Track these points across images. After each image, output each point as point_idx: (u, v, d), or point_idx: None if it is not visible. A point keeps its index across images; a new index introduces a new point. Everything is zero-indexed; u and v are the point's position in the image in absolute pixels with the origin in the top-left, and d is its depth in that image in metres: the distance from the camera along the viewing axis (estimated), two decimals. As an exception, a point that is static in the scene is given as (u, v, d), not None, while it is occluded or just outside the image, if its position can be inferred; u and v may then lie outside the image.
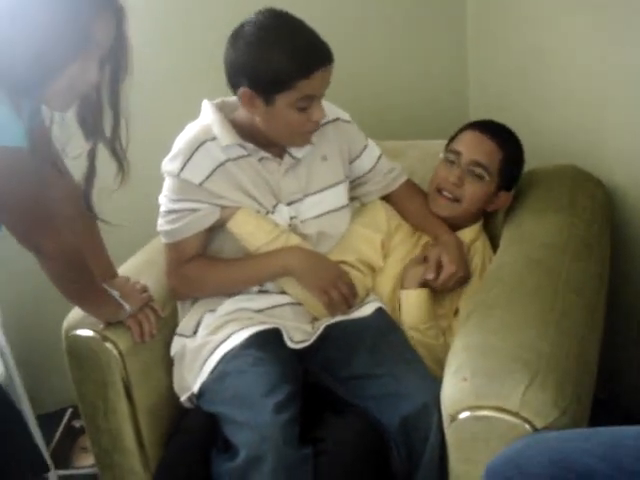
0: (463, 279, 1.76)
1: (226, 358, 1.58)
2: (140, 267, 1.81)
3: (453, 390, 1.37)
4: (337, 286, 1.68)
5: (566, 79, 2.09)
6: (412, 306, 1.73)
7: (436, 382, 1.44)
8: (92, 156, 1.44)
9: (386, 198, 1.92)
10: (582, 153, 2.05)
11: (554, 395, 1.30)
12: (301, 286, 1.70)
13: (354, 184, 1.87)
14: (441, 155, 1.90)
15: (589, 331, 1.50)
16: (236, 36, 1.56)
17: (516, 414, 1.28)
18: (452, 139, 1.91)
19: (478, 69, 2.53)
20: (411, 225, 1.91)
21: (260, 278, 1.71)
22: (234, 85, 1.59)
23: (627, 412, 2.03)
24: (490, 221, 1.95)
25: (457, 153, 1.83)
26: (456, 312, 1.79)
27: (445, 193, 1.83)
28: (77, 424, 2.37)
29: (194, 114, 1.72)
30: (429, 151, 2.08)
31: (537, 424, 1.27)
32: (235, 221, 1.67)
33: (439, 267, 1.74)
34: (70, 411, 2.43)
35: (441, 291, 1.77)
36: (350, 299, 1.70)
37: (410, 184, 1.94)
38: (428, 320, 1.73)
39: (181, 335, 1.72)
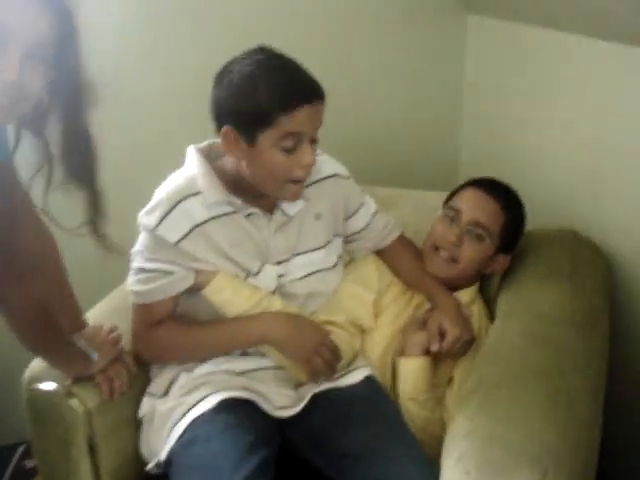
0: (468, 343, 1.66)
1: (196, 423, 1.45)
2: (110, 314, 1.66)
3: (454, 484, 1.26)
4: (320, 353, 1.56)
5: (563, 140, 2.03)
6: (412, 375, 1.62)
7: (434, 471, 1.32)
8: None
9: (378, 253, 1.82)
10: (578, 217, 1.97)
11: (565, 496, 1.20)
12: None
13: (347, 240, 1.76)
14: (439, 211, 1.80)
15: (594, 417, 1.41)
16: (222, 73, 1.46)
17: (525, 517, 1.19)
18: (452, 195, 1.81)
19: (473, 123, 2.45)
20: (404, 283, 1.80)
21: (237, 346, 1.59)
22: (218, 126, 1.47)
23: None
24: (485, 284, 1.85)
25: (457, 211, 1.74)
26: (449, 381, 1.67)
27: (442, 252, 1.73)
28: (29, 464, 2.21)
29: (178, 161, 1.58)
30: (423, 202, 1.99)
31: (545, 530, 1.17)
32: (211, 288, 1.53)
33: (442, 334, 1.63)
34: (22, 448, 2.27)
35: (439, 359, 1.66)
36: (334, 365, 1.59)
37: (403, 239, 1.84)
38: (427, 390, 1.62)
39: (151, 395, 1.58)
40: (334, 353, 1.58)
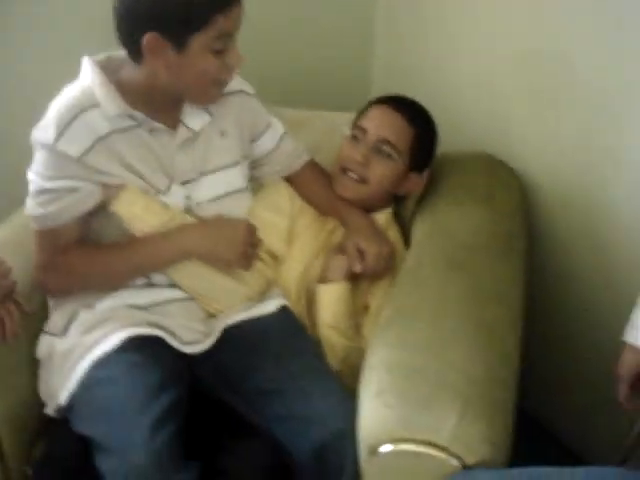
0: (389, 257, 1.61)
1: (98, 364, 1.35)
2: (5, 243, 1.52)
3: (374, 418, 1.22)
4: (252, 241, 1.50)
5: (479, 60, 1.97)
6: (333, 302, 1.55)
7: (352, 403, 1.28)
8: None
9: (287, 179, 1.73)
10: (492, 141, 1.93)
11: (486, 428, 1.19)
12: (195, 278, 1.49)
13: (254, 164, 1.66)
14: (347, 132, 1.72)
15: (514, 348, 1.38)
16: None
17: (446, 449, 1.16)
18: (359, 115, 1.73)
19: (385, 40, 2.35)
20: (315, 209, 1.73)
21: (152, 267, 1.47)
22: (133, 33, 1.32)
23: (537, 424, 1.99)
24: (400, 208, 1.79)
25: (363, 130, 1.67)
26: (366, 309, 1.62)
27: (350, 173, 1.66)
28: None
29: (74, 73, 1.43)
30: (333, 124, 1.89)
31: (468, 460, 1.16)
32: (120, 201, 1.41)
33: (361, 253, 1.58)
34: None
35: (359, 282, 1.61)
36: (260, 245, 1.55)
37: (313, 164, 1.76)
38: (349, 318, 1.56)
39: (50, 334, 1.46)
40: (255, 231, 1.53)
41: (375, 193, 1.66)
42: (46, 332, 1.47)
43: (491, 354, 1.31)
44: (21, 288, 1.42)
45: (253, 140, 1.62)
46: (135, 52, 1.34)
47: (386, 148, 1.63)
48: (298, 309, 1.59)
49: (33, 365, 1.46)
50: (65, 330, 1.44)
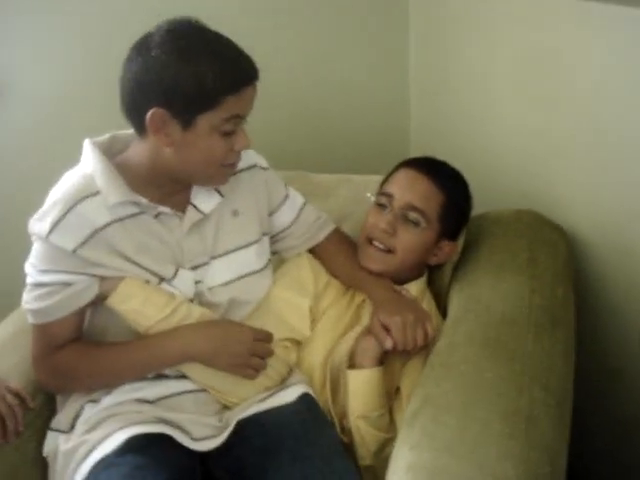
0: (424, 325, 1.46)
1: (99, 466, 1.24)
2: (5, 342, 1.46)
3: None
4: (256, 352, 1.39)
5: (516, 118, 1.84)
6: (364, 389, 1.42)
7: None
8: None
9: (311, 251, 1.62)
10: (536, 198, 1.79)
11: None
12: (207, 370, 1.38)
13: (274, 239, 1.57)
14: (372, 198, 1.60)
15: (558, 442, 1.22)
16: (143, 47, 1.25)
17: None
18: (385, 180, 1.61)
19: (420, 102, 2.25)
20: (341, 282, 1.60)
21: (153, 368, 1.38)
22: (139, 110, 1.26)
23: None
24: (436, 277, 1.65)
25: (388, 196, 1.54)
26: (396, 392, 1.49)
27: (376, 243, 1.53)
28: None
29: (77, 157, 1.37)
30: (364, 189, 1.77)
31: None
32: (116, 296, 1.33)
33: (386, 329, 1.44)
34: None
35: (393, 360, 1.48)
36: (271, 353, 1.42)
37: (338, 234, 1.65)
38: (381, 406, 1.42)
39: (55, 430, 1.38)
40: (266, 339, 1.42)
41: (403, 263, 1.54)
42: (52, 429, 1.38)
43: (531, 450, 1.15)
44: (25, 384, 1.36)
45: (271, 213, 1.54)
46: (139, 126, 1.28)
47: (413, 215, 1.51)
48: (323, 396, 1.47)
49: (41, 464, 1.37)
50: (71, 427, 1.36)
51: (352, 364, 1.45)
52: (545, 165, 1.76)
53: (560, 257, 1.62)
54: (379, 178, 1.75)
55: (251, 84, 1.27)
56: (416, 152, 2.16)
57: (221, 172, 1.35)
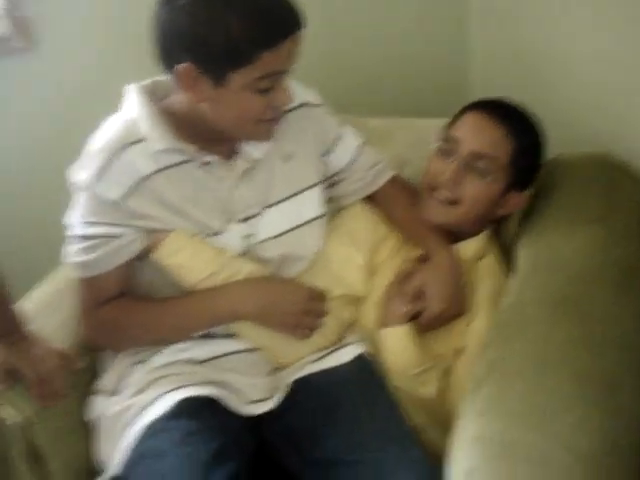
0: (453, 317, 1.37)
1: (149, 431, 1.19)
2: (48, 301, 1.39)
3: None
4: (309, 311, 1.31)
5: (585, 51, 1.68)
6: (396, 348, 1.34)
7: (435, 477, 1.09)
8: None
9: (368, 199, 1.51)
10: (612, 139, 1.63)
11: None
12: (258, 328, 1.31)
13: (328, 183, 1.46)
14: (435, 143, 1.48)
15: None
16: None
17: None
18: (450, 123, 1.48)
19: (481, 40, 2.07)
20: (401, 233, 1.50)
21: (201, 326, 1.32)
22: (169, 62, 1.16)
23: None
24: (500, 229, 1.54)
25: (454, 141, 1.42)
26: (459, 351, 1.39)
27: (439, 193, 1.41)
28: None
29: (115, 104, 1.29)
30: (424, 134, 1.65)
31: None
32: (163, 250, 1.26)
33: (418, 298, 1.35)
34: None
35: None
36: (324, 312, 1.35)
37: (398, 181, 1.53)
38: (419, 364, 1.34)
39: (100, 393, 1.33)
40: (321, 298, 1.35)
41: (467, 217, 1.42)
42: (96, 391, 1.34)
43: (610, 419, 1.06)
44: (71, 345, 1.31)
45: (325, 154, 1.43)
46: (173, 80, 1.18)
47: (481, 164, 1.38)
48: (379, 355, 1.37)
49: (85, 429, 1.33)
50: (116, 389, 1.31)
51: (383, 322, 1.38)
52: (625, 102, 1.60)
53: (637, 207, 1.49)
54: (440, 122, 1.62)
55: (291, 37, 1.13)
56: (475, 92, 2.02)
57: (261, 128, 1.24)
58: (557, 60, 1.81)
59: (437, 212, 1.42)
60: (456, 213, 1.41)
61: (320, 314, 1.32)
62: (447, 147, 1.43)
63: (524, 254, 1.42)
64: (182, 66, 1.13)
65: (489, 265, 1.46)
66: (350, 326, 1.41)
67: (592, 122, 1.71)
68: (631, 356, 1.17)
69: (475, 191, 1.39)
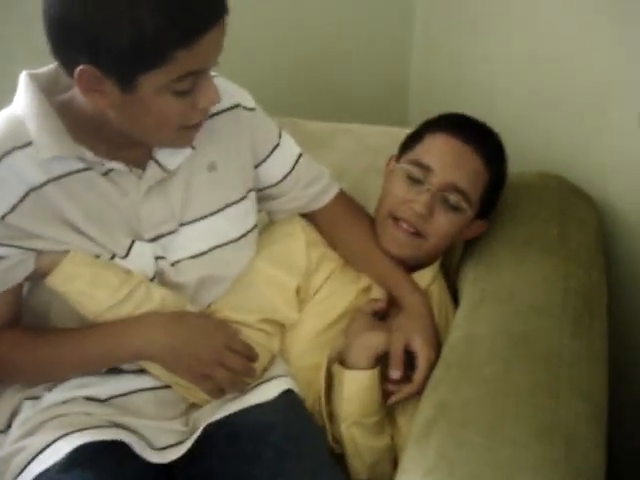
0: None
1: None
2: None
3: None
4: (225, 363, 1.12)
5: (531, 63, 1.59)
6: (360, 394, 1.18)
7: None
8: None
9: (307, 217, 1.34)
10: (559, 159, 1.54)
11: None
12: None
13: (260, 198, 1.28)
14: (392, 162, 1.34)
15: (600, 457, 1.00)
16: None
17: None
18: (413, 140, 1.32)
19: (424, 45, 1.96)
20: (343, 257, 1.34)
21: (101, 365, 1.13)
22: (65, 61, 0.96)
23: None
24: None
25: (426, 168, 1.25)
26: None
27: (404, 225, 1.26)
28: None
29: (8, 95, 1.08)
30: (366, 141, 1.52)
31: None
32: (57, 275, 1.06)
33: (408, 355, 1.19)
34: None
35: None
36: (248, 371, 1.15)
37: (343, 198, 1.36)
38: (378, 410, 1.19)
39: (-12, 430, 1.13)
40: (247, 354, 1.15)
41: (433, 250, 1.29)
42: (-17, 428, 1.13)
43: (570, 475, 0.93)
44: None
45: (257, 165, 1.25)
46: (72, 77, 0.97)
47: (455, 197, 1.24)
48: (306, 392, 1.22)
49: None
50: (6, 426, 1.11)
51: (343, 360, 1.21)
52: (573, 120, 1.50)
53: (592, 233, 1.38)
54: (381, 129, 1.51)
55: (211, 27, 0.93)
56: (415, 97, 1.90)
57: (183, 134, 1.06)
58: (499, 71, 1.71)
59: (401, 245, 1.27)
60: (422, 246, 1.26)
61: (237, 367, 1.13)
62: (416, 174, 1.26)
63: (471, 282, 1.30)
64: (80, 68, 0.93)
65: (435, 293, 1.32)
66: (275, 357, 1.24)
67: (537, 139, 1.61)
68: (589, 405, 1.05)
69: (446, 225, 1.25)
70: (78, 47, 0.92)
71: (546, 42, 1.54)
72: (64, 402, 1.09)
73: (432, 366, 1.15)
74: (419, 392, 1.13)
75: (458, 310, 1.25)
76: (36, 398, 1.11)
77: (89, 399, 1.10)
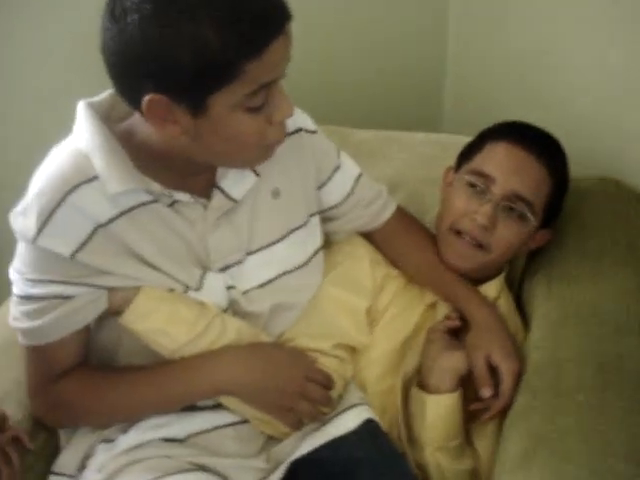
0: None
1: None
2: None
3: None
4: (306, 394, 1.08)
5: (588, 55, 1.51)
6: (444, 418, 1.14)
7: None
8: None
9: (366, 236, 1.31)
10: (612, 160, 1.48)
11: None
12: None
13: (321, 218, 1.24)
14: (451, 173, 1.30)
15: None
16: (117, 7, 0.86)
17: None
18: (471, 150, 1.28)
19: (459, 52, 1.90)
20: (406, 274, 1.30)
21: (177, 405, 1.09)
22: (131, 94, 0.92)
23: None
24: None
25: (487, 178, 1.21)
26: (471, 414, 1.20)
27: (467, 237, 1.22)
28: None
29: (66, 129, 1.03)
30: (418, 150, 1.47)
31: None
32: (133, 311, 1.02)
33: (492, 370, 1.15)
34: None
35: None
36: (327, 401, 1.12)
37: (402, 215, 1.32)
38: (459, 434, 1.15)
39: (60, 475, 1.08)
40: (326, 384, 1.12)
41: (497, 262, 1.24)
42: (55, 473, 1.09)
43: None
44: (23, 415, 1.07)
45: (319, 187, 1.21)
46: (139, 110, 0.92)
47: (518, 206, 1.20)
48: (383, 418, 1.17)
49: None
50: (79, 473, 1.07)
51: (423, 384, 1.17)
52: (627, 117, 1.45)
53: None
54: (430, 137, 1.45)
55: (278, 35, 0.88)
56: (450, 104, 1.85)
57: (263, 153, 1.01)
58: (547, 68, 1.65)
59: (465, 258, 1.23)
60: (486, 259, 1.22)
61: (318, 398, 1.10)
62: (476, 183, 1.22)
63: (542, 300, 1.25)
64: (148, 98, 0.88)
65: (504, 308, 1.28)
66: (349, 383, 1.20)
67: (587, 140, 1.56)
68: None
69: (510, 237, 1.21)
70: (143, 76, 0.87)
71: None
72: (141, 445, 1.05)
73: (517, 377, 1.12)
74: (508, 406, 1.10)
75: (534, 327, 1.21)
76: (110, 441, 1.07)
77: (167, 440, 1.06)
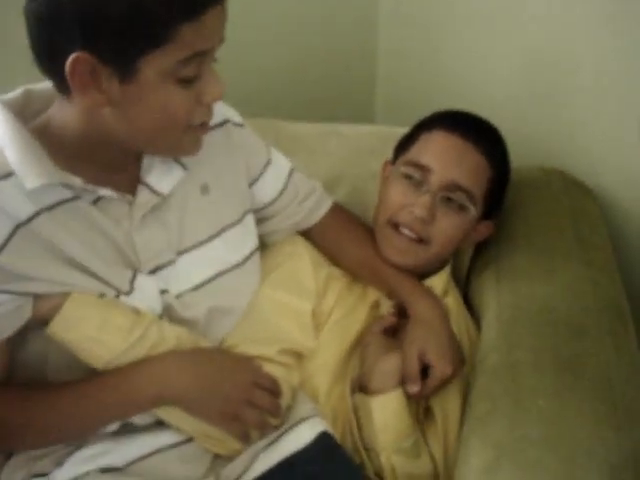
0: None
1: None
2: None
3: None
4: (253, 401, 1.02)
5: (505, 53, 1.52)
6: (393, 420, 1.08)
7: None
8: None
9: (304, 234, 1.26)
10: (552, 149, 1.48)
11: None
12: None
13: (255, 217, 1.19)
14: (387, 165, 1.26)
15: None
16: None
17: None
18: (407, 139, 1.24)
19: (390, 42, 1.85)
20: (352, 274, 1.26)
21: (116, 417, 1.00)
22: (53, 54, 0.85)
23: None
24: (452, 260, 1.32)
25: (424, 169, 1.17)
26: (426, 412, 1.16)
27: (405, 231, 1.17)
28: None
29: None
30: (358, 144, 1.41)
31: None
32: (62, 319, 0.93)
33: (423, 366, 1.11)
34: None
35: None
36: (276, 410, 1.06)
37: (338, 211, 1.28)
38: (413, 431, 1.10)
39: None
40: (274, 390, 1.06)
41: (438, 256, 1.20)
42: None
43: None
44: None
45: (251, 184, 1.16)
46: (59, 80, 0.86)
47: (457, 196, 1.16)
48: (334, 427, 1.11)
49: None
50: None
51: (364, 388, 1.12)
52: (565, 105, 1.44)
53: (603, 232, 1.32)
54: (374, 129, 1.40)
55: (215, 5, 0.85)
56: (383, 96, 1.80)
57: (189, 137, 0.95)
58: (479, 59, 1.63)
59: (405, 254, 1.18)
60: (427, 253, 1.18)
61: (265, 405, 1.04)
62: (414, 175, 1.18)
63: (494, 294, 1.21)
64: (73, 57, 0.82)
65: (452, 305, 1.24)
66: (297, 392, 1.14)
67: (525, 129, 1.53)
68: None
69: (450, 228, 1.16)
70: (69, 34, 0.81)
71: (542, 34, 1.46)
72: (77, 478, 0.95)
73: (446, 380, 1.10)
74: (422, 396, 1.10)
75: (485, 327, 1.17)
76: (43, 475, 0.97)
77: (106, 470, 0.97)
